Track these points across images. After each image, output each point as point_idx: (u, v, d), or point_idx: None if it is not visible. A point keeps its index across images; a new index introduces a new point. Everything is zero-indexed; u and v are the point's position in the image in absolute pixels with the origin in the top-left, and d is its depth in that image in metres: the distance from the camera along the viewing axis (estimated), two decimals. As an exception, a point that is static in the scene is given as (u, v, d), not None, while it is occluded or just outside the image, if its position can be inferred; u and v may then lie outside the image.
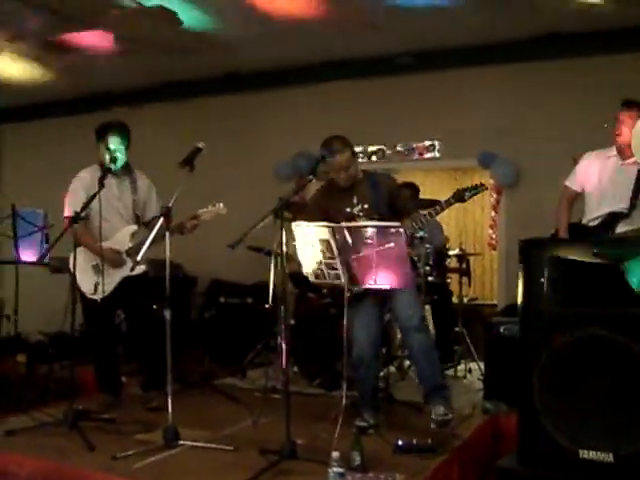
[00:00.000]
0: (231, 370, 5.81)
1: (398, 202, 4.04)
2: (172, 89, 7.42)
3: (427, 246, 5.17)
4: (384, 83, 6.60)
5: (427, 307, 5.52)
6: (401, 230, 3.37)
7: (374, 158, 6.72)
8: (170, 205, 3.89)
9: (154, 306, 6.39)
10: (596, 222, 4.14)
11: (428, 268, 5.11)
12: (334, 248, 3.53)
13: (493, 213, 6.35)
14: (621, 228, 3.99)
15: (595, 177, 4.21)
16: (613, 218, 4.06)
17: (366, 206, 3.98)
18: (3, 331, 7.51)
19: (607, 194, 4.14)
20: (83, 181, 4.63)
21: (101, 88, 7.47)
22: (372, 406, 4.03)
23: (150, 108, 7.57)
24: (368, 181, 4.05)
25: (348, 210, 4.00)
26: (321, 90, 6.81)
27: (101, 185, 4.16)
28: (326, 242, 3.55)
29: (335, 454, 3.08)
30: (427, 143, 6.42)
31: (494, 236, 6.25)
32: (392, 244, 3.38)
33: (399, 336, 5.29)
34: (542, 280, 2.68)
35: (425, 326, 4.02)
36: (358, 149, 6.78)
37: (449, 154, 6.42)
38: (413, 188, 5.87)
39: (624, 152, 4.09)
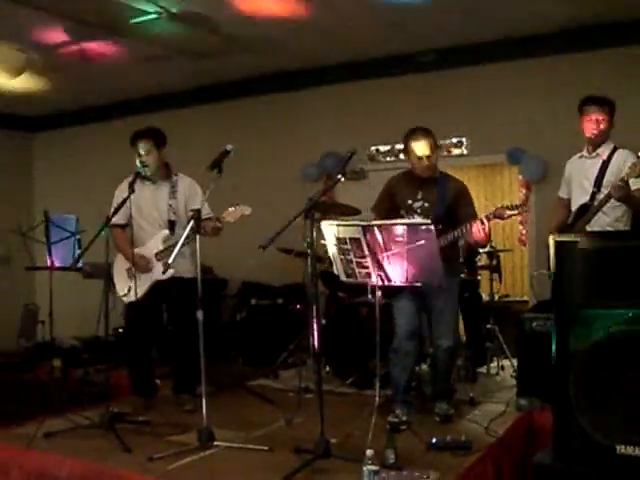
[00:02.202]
0: (264, 371, 5.84)
1: (459, 209, 4.11)
2: (200, 92, 7.46)
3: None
4: (410, 81, 6.56)
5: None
6: (431, 227, 3.37)
7: (402, 156, 6.69)
8: (199, 207, 3.94)
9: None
10: (571, 219, 4.25)
11: (459, 266, 5.07)
12: (365, 247, 3.54)
13: (523, 209, 6.30)
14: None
15: (573, 180, 4.37)
16: (582, 211, 4.15)
17: (427, 205, 4.11)
18: (39, 336, 7.66)
19: (579, 190, 4.27)
20: (121, 190, 4.72)
21: (130, 94, 7.54)
22: (404, 401, 4.15)
23: (180, 112, 7.62)
24: (440, 182, 4.16)
25: (409, 202, 4.16)
26: (347, 90, 6.80)
27: (131, 190, 4.21)
28: (357, 240, 3.55)
29: (369, 452, 3.08)
30: (455, 140, 6.38)
31: (524, 232, 6.19)
32: (423, 241, 3.38)
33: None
34: (576, 274, 2.65)
35: (454, 348, 4.22)
36: (385, 148, 6.80)
37: (477, 151, 6.37)
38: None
39: (593, 144, 4.24)
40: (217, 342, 6.67)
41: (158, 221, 4.69)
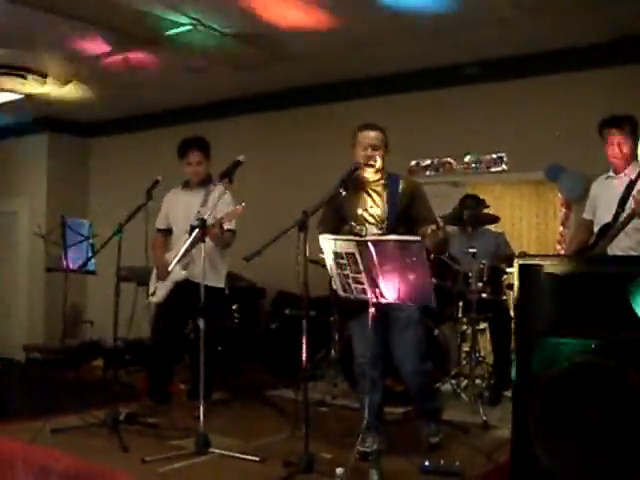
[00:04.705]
0: (291, 381, 5.85)
1: (415, 210, 3.83)
2: (254, 102, 7.53)
3: (482, 262, 5.00)
4: (451, 94, 6.43)
5: (484, 325, 5.38)
6: (422, 243, 3.30)
7: (441, 171, 6.60)
8: (205, 217, 4.01)
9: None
10: (592, 240, 4.05)
11: (481, 284, 4.95)
12: (360, 262, 3.49)
13: (561, 228, 6.08)
14: None
15: (599, 201, 4.22)
16: (604, 231, 3.96)
17: (378, 212, 3.86)
18: (86, 336, 7.97)
19: (603, 211, 4.08)
20: (166, 197, 5.08)
21: (183, 102, 7.72)
22: (376, 428, 3.86)
23: (233, 121, 7.73)
24: (389, 185, 3.89)
25: (359, 211, 3.90)
26: (388, 103, 6.72)
27: (148, 197, 4.35)
28: (352, 256, 3.52)
29: (339, 470, 3.04)
30: (494, 156, 6.23)
31: (563, 252, 5.95)
32: (414, 258, 3.31)
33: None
34: (540, 300, 2.52)
35: (422, 368, 3.89)
36: (426, 162, 6.70)
37: (517, 167, 6.19)
38: (477, 200, 5.72)
39: (618, 168, 4.09)
40: (251, 350, 6.75)
41: (187, 227, 4.81)
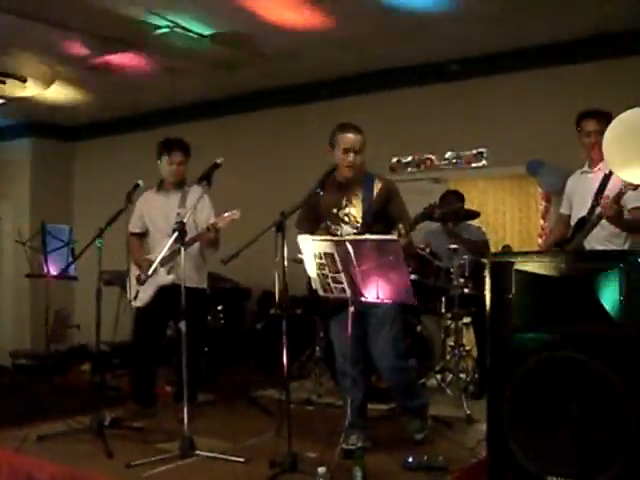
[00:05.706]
0: (277, 381, 5.86)
1: (390, 209, 3.84)
2: (233, 103, 7.57)
3: (464, 257, 5.04)
4: (432, 91, 6.49)
5: (467, 319, 5.41)
6: (399, 242, 3.32)
7: (422, 167, 6.64)
8: (184, 220, 4.02)
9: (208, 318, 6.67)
10: (570, 233, 4.10)
11: (463, 280, 4.98)
12: (338, 262, 3.51)
13: (542, 221, 6.14)
14: None
15: (575, 195, 4.29)
16: (580, 224, 4.02)
17: (353, 211, 3.88)
18: (74, 341, 7.95)
19: (580, 205, 4.14)
20: (140, 200, 5.01)
21: (164, 104, 7.73)
22: (360, 426, 3.88)
23: (213, 122, 7.74)
24: (364, 184, 3.88)
25: (335, 211, 3.92)
26: (369, 101, 6.77)
27: (129, 200, 4.35)
28: (330, 256, 3.53)
29: (321, 470, 3.06)
30: (475, 151, 6.27)
31: (543, 245, 6.01)
32: (391, 257, 3.33)
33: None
34: (511, 296, 2.55)
35: (400, 365, 3.89)
36: (407, 159, 6.75)
37: (497, 162, 6.24)
38: (458, 196, 5.75)
39: (593, 162, 4.16)
40: (236, 351, 6.77)
41: (167, 230, 4.80)
